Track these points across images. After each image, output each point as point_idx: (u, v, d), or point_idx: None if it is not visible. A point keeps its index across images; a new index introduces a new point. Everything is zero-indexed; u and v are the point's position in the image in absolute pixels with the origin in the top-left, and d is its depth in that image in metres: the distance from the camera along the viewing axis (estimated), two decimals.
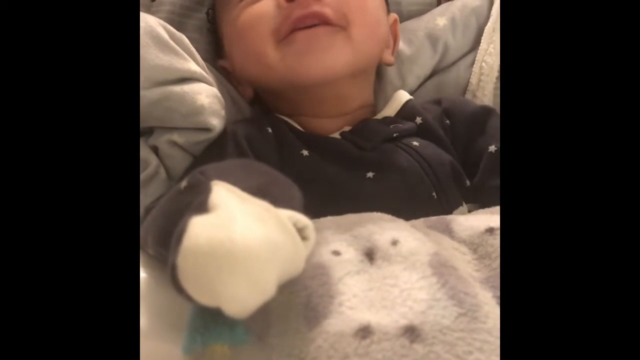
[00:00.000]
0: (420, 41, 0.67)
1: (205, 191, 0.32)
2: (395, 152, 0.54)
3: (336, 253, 0.34)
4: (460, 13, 0.68)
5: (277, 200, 0.32)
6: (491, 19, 0.67)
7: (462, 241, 0.37)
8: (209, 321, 0.31)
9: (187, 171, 0.54)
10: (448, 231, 0.38)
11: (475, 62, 0.66)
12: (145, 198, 0.51)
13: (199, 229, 0.28)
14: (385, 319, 0.30)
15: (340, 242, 0.35)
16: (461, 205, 0.53)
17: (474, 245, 0.36)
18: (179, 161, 0.55)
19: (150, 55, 0.53)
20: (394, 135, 0.56)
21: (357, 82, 0.60)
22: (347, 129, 0.58)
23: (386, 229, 0.36)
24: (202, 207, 0.31)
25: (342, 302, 0.31)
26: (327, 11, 0.55)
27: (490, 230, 0.36)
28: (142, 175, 0.53)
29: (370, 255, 0.34)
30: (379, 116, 0.61)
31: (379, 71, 0.67)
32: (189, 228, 0.28)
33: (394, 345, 0.29)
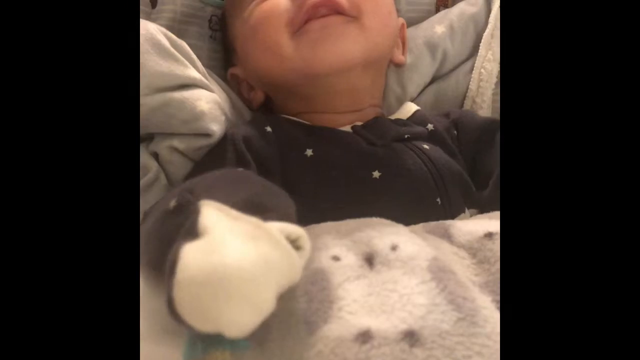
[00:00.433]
0: (420, 49, 0.68)
1: (194, 212, 0.31)
2: (404, 152, 0.54)
3: (336, 258, 0.34)
4: (458, 20, 0.68)
5: (269, 210, 0.32)
6: (489, 26, 0.67)
7: (461, 246, 0.37)
8: None
9: (187, 177, 0.54)
10: (447, 236, 0.38)
11: (474, 68, 0.67)
12: (146, 204, 0.51)
13: (191, 258, 0.28)
14: (385, 323, 0.30)
15: (340, 247, 0.35)
16: (464, 212, 0.53)
17: (473, 250, 0.36)
18: (179, 167, 0.56)
19: (151, 62, 0.53)
20: (406, 136, 0.56)
21: (369, 75, 0.60)
22: (359, 123, 0.58)
23: (385, 234, 0.36)
24: (192, 231, 0.30)
25: (342, 307, 0.31)
26: (341, 0, 0.55)
27: (489, 235, 0.36)
28: (143, 181, 0.53)
29: (369, 260, 0.34)
30: (391, 117, 0.61)
31: None
32: (181, 258, 0.28)
33: (394, 349, 0.29)
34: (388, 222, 0.38)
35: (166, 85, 0.54)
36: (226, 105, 0.59)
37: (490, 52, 0.66)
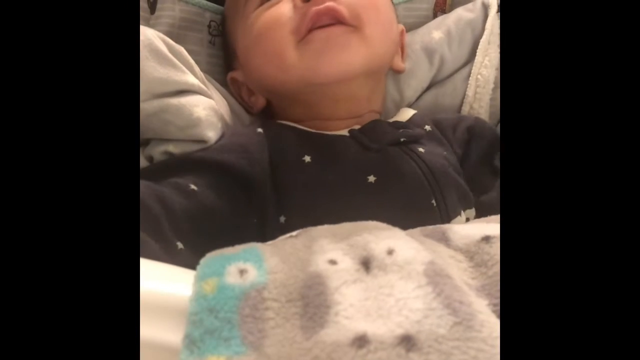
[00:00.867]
0: (417, 54, 0.68)
1: None
2: (399, 156, 0.55)
3: (332, 262, 0.34)
4: (456, 26, 0.68)
5: None
6: (486, 32, 0.68)
7: (459, 249, 0.37)
8: (205, 333, 0.31)
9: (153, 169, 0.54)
10: (444, 239, 0.38)
11: (472, 74, 0.67)
12: None
13: None
14: (382, 328, 0.30)
15: (337, 251, 0.35)
16: (459, 214, 0.53)
17: (470, 253, 0.36)
18: None
19: (149, 68, 0.53)
20: (402, 139, 0.57)
21: (370, 82, 0.61)
22: (356, 127, 0.59)
23: (382, 238, 0.36)
24: None
25: (339, 311, 0.31)
26: (342, 9, 0.56)
27: (486, 239, 0.36)
28: None
29: (366, 264, 0.34)
30: (390, 120, 0.62)
31: None
32: None
33: (390, 354, 0.29)
34: (384, 225, 0.38)
35: (164, 91, 0.54)
36: (224, 111, 0.59)
37: (487, 58, 0.66)
